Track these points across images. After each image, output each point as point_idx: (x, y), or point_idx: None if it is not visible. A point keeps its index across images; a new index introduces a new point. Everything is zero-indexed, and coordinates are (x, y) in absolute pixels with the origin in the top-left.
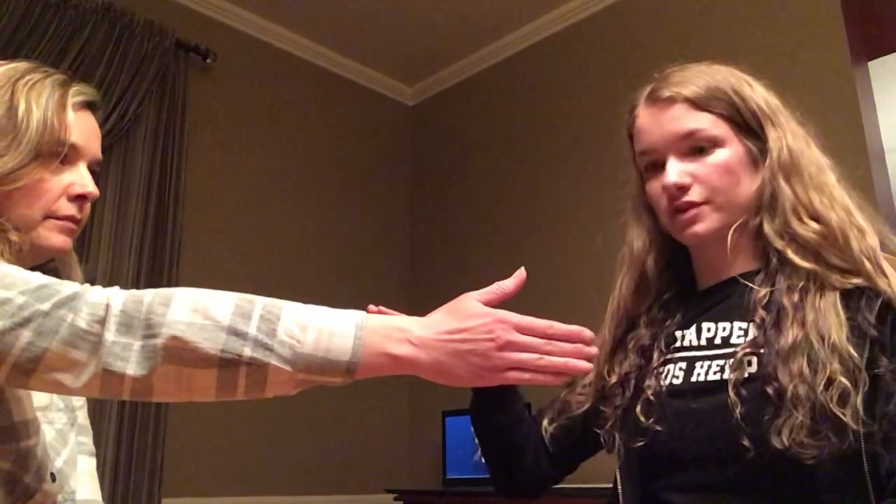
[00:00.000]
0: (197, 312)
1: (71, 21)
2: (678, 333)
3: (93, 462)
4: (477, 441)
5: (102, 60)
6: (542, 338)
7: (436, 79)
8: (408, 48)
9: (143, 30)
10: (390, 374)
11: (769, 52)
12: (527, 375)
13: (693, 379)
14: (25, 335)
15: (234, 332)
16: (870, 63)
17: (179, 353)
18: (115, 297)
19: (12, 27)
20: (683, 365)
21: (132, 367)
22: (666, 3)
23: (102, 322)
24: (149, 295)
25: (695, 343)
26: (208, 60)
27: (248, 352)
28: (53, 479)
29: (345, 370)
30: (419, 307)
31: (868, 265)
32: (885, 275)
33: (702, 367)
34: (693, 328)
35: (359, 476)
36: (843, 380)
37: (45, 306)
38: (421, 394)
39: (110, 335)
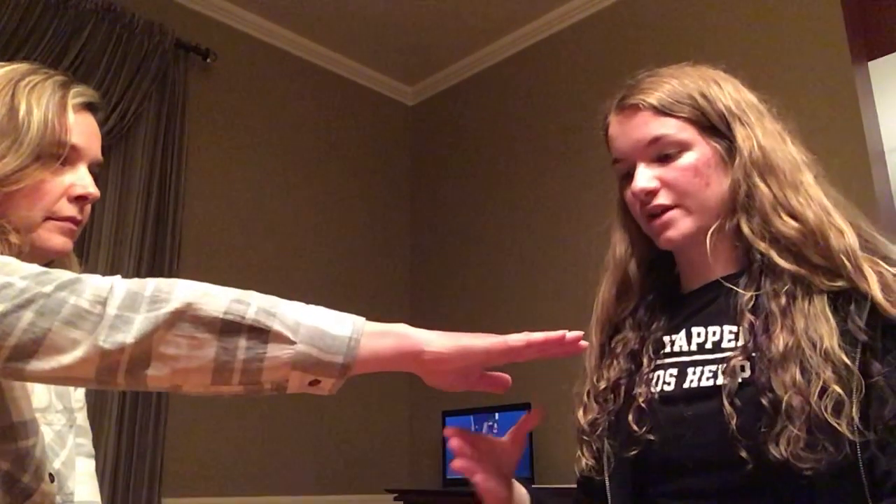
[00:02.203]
0: (201, 287)
1: (71, 21)
2: (666, 339)
3: (92, 463)
4: None
5: (102, 60)
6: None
7: (436, 79)
8: (408, 48)
9: (143, 30)
10: (396, 360)
11: (769, 52)
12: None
13: (686, 385)
14: (27, 316)
15: (238, 301)
16: (870, 63)
17: (182, 316)
18: (119, 281)
19: (12, 27)
20: (674, 371)
21: (131, 336)
22: (665, 3)
23: (104, 303)
24: (152, 280)
25: (685, 348)
26: (208, 60)
27: (251, 314)
28: (52, 479)
29: (346, 345)
30: (419, 307)
31: (848, 266)
32: (864, 276)
33: (694, 372)
34: (682, 333)
35: (359, 476)
36: (837, 388)
37: (47, 288)
38: (421, 394)
39: (112, 310)
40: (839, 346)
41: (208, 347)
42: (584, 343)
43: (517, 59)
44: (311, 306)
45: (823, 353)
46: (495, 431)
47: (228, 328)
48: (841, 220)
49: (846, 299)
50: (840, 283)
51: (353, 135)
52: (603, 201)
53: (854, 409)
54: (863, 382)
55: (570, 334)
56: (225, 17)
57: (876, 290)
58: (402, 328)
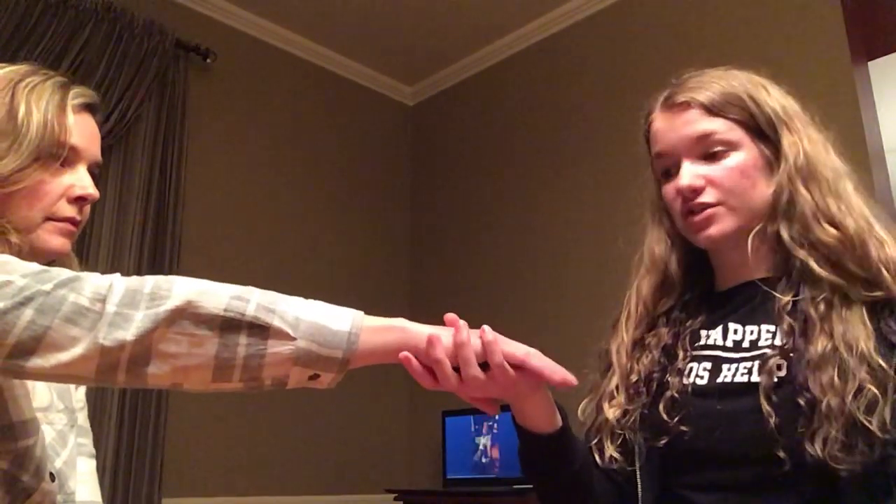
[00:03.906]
0: (200, 285)
1: (71, 21)
2: (703, 332)
3: (93, 463)
4: (536, 493)
5: (102, 60)
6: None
7: (436, 79)
8: (408, 48)
9: (143, 30)
10: (394, 354)
11: (769, 52)
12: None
13: (720, 380)
14: (27, 314)
15: (238, 297)
16: (870, 63)
17: (182, 314)
18: (118, 279)
19: (12, 27)
20: (708, 365)
21: (131, 333)
22: (666, 3)
23: (104, 300)
24: (151, 277)
25: (720, 343)
26: (208, 60)
27: (251, 310)
28: (53, 478)
29: (346, 340)
30: (420, 306)
31: (886, 274)
32: None
33: (729, 368)
34: (719, 329)
35: (359, 476)
36: (872, 388)
37: (47, 286)
38: (421, 394)
39: (112, 307)
40: (875, 349)
41: (209, 345)
42: (572, 381)
43: (517, 58)
44: (311, 301)
45: (860, 355)
46: (495, 432)
47: (229, 325)
48: (882, 232)
49: (882, 308)
50: (877, 293)
51: (353, 135)
52: (603, 201)
53: (887, 410)
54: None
55: (561, 376)
56: (225, 17)
57: None
58: (401, 322)
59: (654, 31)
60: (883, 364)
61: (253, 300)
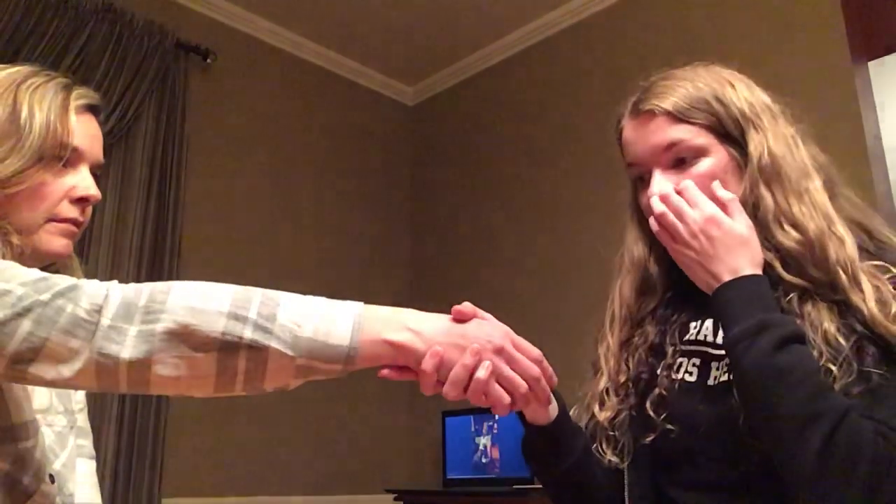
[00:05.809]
0: (196, 299)
1: (71, 21)
2: (692, 325)
3: (93, 465)
4: (539, 482)
5: (102, 60)
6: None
7: (436, 79)
8: (408, 48)
9: (143, 30)
10: (393, 360)
11: (769, 52)
12: (508, 399)
13: (710, 382)
14: (25, 325)
15: (235, 317)
16: (870, 63)
17: (179, 338)
18: (115, 288)
19: (12, 27)
20: (697, 361)
21: (127, 351)
22: (665, 4)
23: (100, 311)
24: (148, 286)
25: (710, 340)
26: (208, 60)
27: (248, 334)
28: (52, 480)
29: (345, 357)
30: (421, 307)
31: (843, 277)
32: (860, 289)
33: (717, 367)
34: (709, 323)
35: (359, 476)
36: (831, 366)
37: (45, 297)
38: (421, 394)
39: (106, 321)
40: (838, 329)
41: (209, 364)
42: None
43: (517, 59)
44: (313, 302)
45: (823, 333)
46: (495, 432)
47: (227, 347)
48: (843, 229)
49: (847, 307)
50: (839, 297)
51: (353, 135)
52: (603, 199)
53: (837, 387)
54: (854, 366)
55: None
56: (225, 17)
57: (871, 303)
58: (404, 337)
59: (654, 32)
60: (842, 341)
61: (250, 318)
